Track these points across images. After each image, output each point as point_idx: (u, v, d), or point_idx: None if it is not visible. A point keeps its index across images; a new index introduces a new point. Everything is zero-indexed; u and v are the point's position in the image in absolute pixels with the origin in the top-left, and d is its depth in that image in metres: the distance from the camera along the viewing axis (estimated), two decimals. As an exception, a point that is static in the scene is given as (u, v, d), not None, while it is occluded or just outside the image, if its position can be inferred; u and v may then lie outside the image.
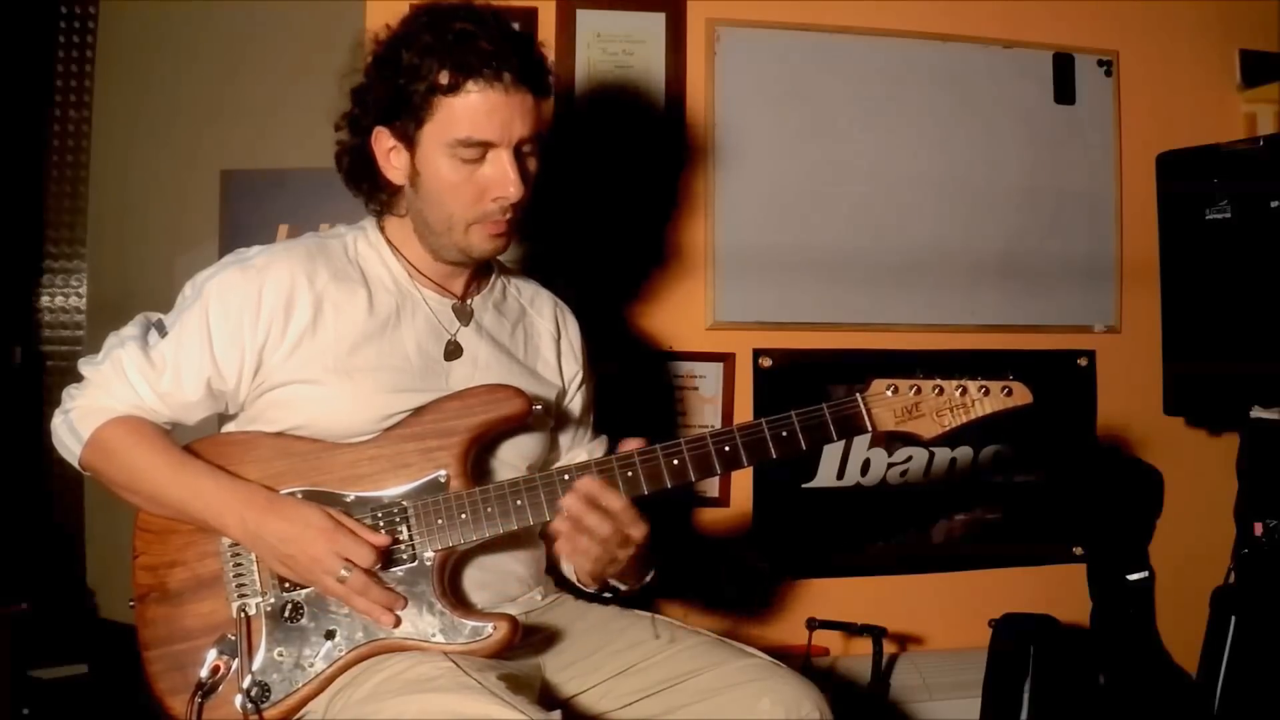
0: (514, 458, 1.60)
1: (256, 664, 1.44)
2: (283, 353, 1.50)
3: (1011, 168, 2.54)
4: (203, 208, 2.25)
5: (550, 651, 1.58)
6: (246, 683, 1.42)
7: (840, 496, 2.45)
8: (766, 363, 2.41)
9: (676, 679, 1.51)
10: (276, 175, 2.25)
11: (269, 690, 1.43)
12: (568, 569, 1.62)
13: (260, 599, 1.46)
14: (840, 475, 2.45)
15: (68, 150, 2.30)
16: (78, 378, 1.53)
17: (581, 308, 1.82)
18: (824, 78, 2.44)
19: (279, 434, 1.51)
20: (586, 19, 2.31)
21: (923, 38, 2.48)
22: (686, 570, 2.22)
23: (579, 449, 1.75)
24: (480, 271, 1.67)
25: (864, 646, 2.27)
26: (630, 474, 1.47)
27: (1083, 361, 2.59)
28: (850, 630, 2.27)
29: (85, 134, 2.30)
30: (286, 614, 1.46)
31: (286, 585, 1.45)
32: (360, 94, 1.55)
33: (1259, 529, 2.18)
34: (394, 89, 1.48)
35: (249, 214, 2.24)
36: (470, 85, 1.45)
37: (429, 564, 1.47)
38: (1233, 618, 2.13)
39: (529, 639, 1.54)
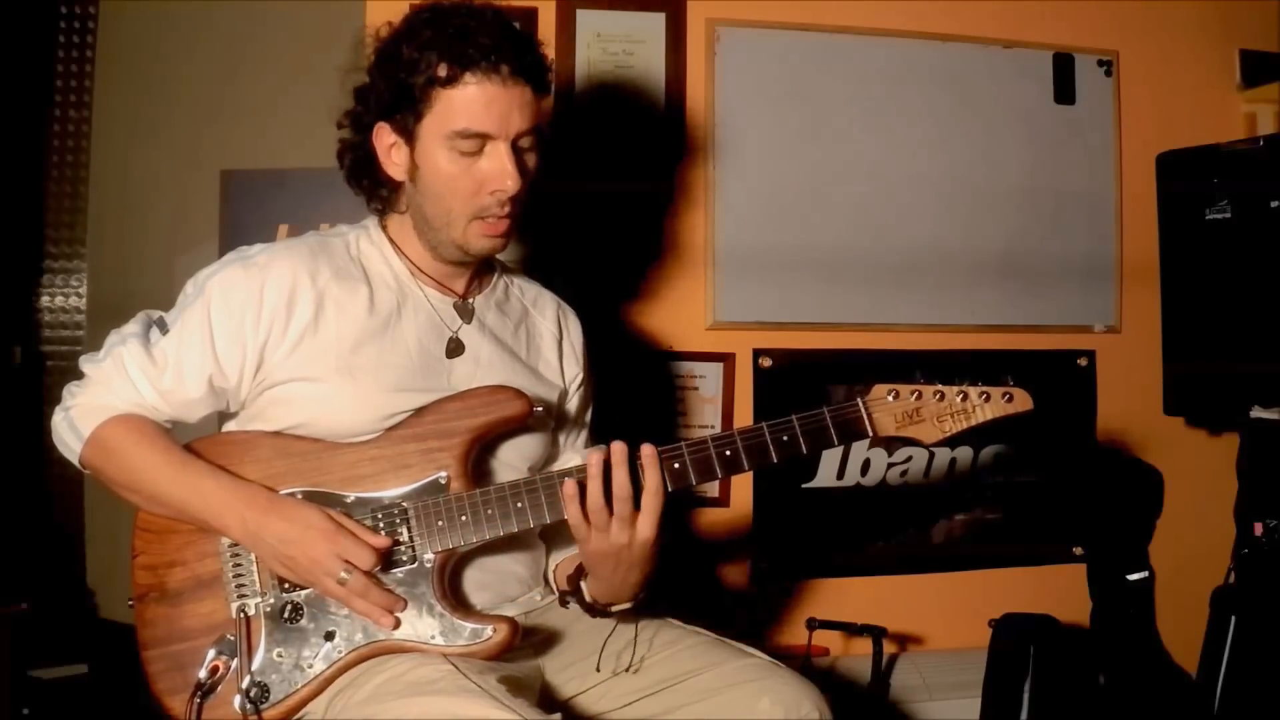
0: (515, 459, 1.60)
1: (256, 664, 1.44)
2: (284, 350, 1.50)
3: (1011, 168, 2.54)
4: (203, 208, 2.25)
5: (550, 652, 1.58)
6: (245, 683, 1.42)
7: (840, 496, 2.45)
8: (766, 363, 2.41)
9: (676, 679, 1.51)
10: (276, 175, 2.25)
11: (268, 691, 1.43)
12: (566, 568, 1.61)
13: (260, 599, 1.45)
14: (840, 475, 2.45)
15: (68, 150, 2.31)
16: (78, 376, 1.53)
17: (582, 307, 1.82)
18: (824, 78, 2.44)
19: (279, 434, 1.51)
20: (586, 19, 2.31)
21: (923, 38, 2.48)
22: (686, 570, 2.22)
23: (573, 453, 1.74)
24: (482, 271, 1.67)
25: (864, 646, 2.28)
26: None
27: (1083, 361, 2.59)
28: (850, 630, 2.27)
29: (85, 134, 2.31)
30: (286, 615, 1.45)
31: (286, 586, 1.45)
32: (363, 92, 1.56)
33: (1259, 529, 2.18)
34: (394, 83, 1.49)
35: (249, 214, 2.24)
36: (468, 77, 1.45)
37: (429, 566, 1.47)
38: (1233, 618, 2.13)
39: (529, 639, 1.54)
